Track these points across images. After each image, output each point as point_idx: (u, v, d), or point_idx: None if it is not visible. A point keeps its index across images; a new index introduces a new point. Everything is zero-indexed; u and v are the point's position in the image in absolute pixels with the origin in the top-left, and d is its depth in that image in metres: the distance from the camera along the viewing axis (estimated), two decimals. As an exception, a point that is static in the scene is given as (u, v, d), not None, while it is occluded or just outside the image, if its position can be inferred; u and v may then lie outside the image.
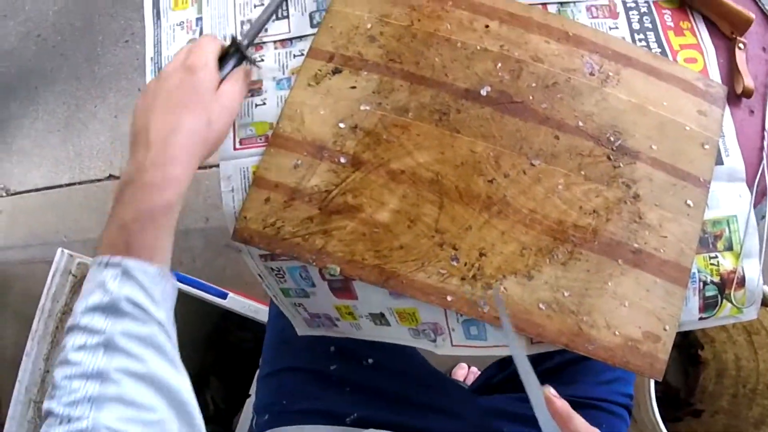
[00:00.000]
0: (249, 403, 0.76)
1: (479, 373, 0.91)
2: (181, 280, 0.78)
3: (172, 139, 0.35)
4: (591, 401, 0.51)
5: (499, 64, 0.45)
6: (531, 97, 0.44)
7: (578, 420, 0.34)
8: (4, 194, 1.35)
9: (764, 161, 0.45)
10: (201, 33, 0.48)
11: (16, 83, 1.42)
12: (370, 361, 0.52)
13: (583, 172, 0.42)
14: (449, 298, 0.40)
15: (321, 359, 0.52)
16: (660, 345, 0.40)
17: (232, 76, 0.41)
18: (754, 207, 0.44)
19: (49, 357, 0.61)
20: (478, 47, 0.45)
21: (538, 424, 0.51)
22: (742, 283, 0.43)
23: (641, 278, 0.41)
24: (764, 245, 0.43)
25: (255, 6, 0.49)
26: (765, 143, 0.45)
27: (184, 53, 0.40)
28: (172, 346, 0.33)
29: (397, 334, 0.44)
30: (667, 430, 0.70)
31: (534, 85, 0.44)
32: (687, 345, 0.95)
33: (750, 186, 0.44)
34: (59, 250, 0.67)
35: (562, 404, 0.34)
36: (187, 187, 0.36)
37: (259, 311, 0.78)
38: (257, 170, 0.43)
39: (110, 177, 1.30)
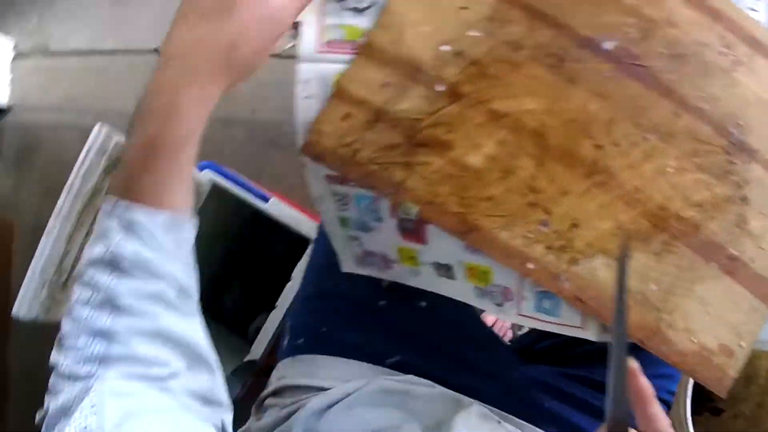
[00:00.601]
0: (274, 317, 0.70)
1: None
2: (220, 173, 0.71)
3: (178, 63, 0.29)
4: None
5: (630, 19, 0.38)
6: (658, 64, 0.37)
7: (657, 406, 0.29)
8: (43, 54, 1.21)
9: None
10: None
11: None
12: (424, 304, 0.46)
13: (696, 160, 0.37)
14: (530, 266, 0.35)
15: (371, 292, 0.47)
16: (732, 360, 0.36)
17: None
18: None
19: (71, 238, 0.54)
20: (612, -5, 0.38)
21: (580, 405, 0.47)
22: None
23: (731, 287, 0.36)
24: None
25: None
26: None
27: None
28: (185, 297, 0.30)
29: (459, 290, 0.39)
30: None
31: (663, 51, 0.38)
32: None
33: None
34: (97, 125, 0.58)
35: (646, 384, 0.29)
36: (201, 121, 0.30)
37: (301, 222, 0.71)
38: (341, 80, 0.36)
39: (155, 51, 1.18)
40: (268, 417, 0.44)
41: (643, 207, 0.36)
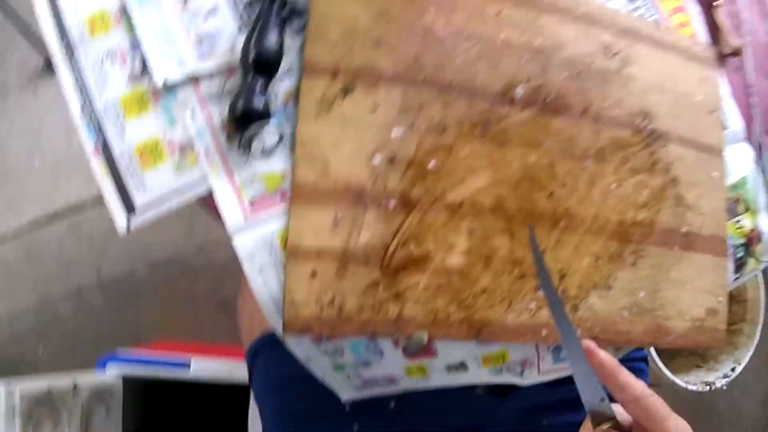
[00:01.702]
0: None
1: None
2: (126, 361, 0.70)
3: None
4: (633, 361, 0.62)
5: (524, 58, 0.48)
6: (563, 91, 0.48)
7: (626, 373, 0.35)
8: None
9: (756, 114, 0.57)
10: (144, 65, 0.41)
11: None
12: (392, 404, 0.54)
13: (629, 165, 0.49)
14: (544, 332, 0.44)
15: (339, 425, 0.53)
16: (719, 317, 0.51)
17: None
18: (758, 161, 0.56)
19: None
20: (499, 40, 0.47)
21: (572, 404, 0.59)
22: (759, 238, 0.55)
23: (695, 260, 0.50)
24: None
25: (207, 14, 0.43)
26: (753, 98, 0.58)
27: None
28: None
29: (473, 378, 0.47)
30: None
31: (563, 76, 0.49)
32: None
33: (749, 143, 0.56)
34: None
35: (606, 356, 0.35)
36: None
37: (234, 369, 0.73)
38: (288, 238, 0.40)
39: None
40: None
41: (607, 231, 0.48)
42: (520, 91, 0.47)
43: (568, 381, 0.60)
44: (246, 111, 0.40)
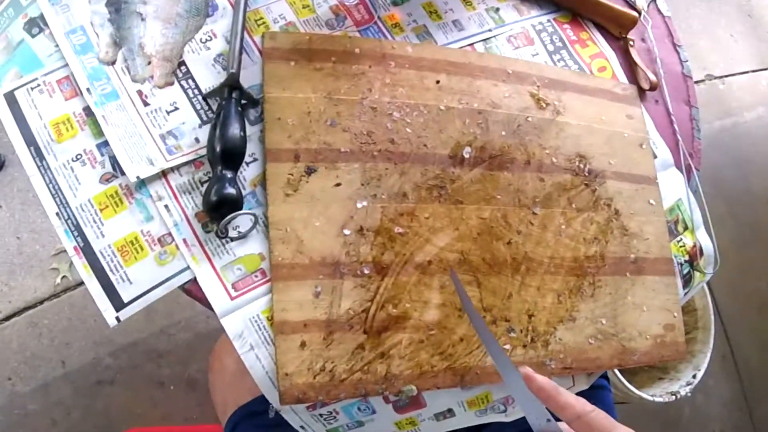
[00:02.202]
0: None
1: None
2: None
3: None
4: None
5: (467, 120, 0.58)
6: (506, 147, 0.59)
7: (565, 393, 0.40)
8: None
9: (680, 141, 0.70)
10: (115, 164, 0.49)
11: None
12: None
13: (574, 205, 0.60)
14: (521, 370, 0.53)
15: None
16: (677, 331, 0.61)
17: None
18: (687, 183, 0.68)
19: None
20: (441, 107, 0.58)
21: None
22: (701, 252, 0.67)
23: (647, 282, 0.61)
24: (706, 212, 0.68)
25: (169, 111, 0.51)
26: (675, 126, 0.71)
27: None
28: None
29: (462, 421, 0.55)
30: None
31: (504, 132, 0.59)
32: None
33: (678, 167, 0.69)
34: None
35: (544, 379, 0.40)
36: None
37: None
38: (274, 315, 0.47)
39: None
40: None
41: (564, 267, 0.57)
42: (467, 152, 0.57)
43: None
44: (219, 200, 0.48)
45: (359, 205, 0.52)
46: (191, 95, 0.52)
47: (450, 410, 0.54)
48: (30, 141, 0.48)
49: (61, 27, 0.50)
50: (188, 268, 0.48)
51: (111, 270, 0.47)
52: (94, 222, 0.47)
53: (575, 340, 0.56)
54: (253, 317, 0.48)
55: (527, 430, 0.63)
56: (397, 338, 0.50)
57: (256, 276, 0.49)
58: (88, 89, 0.49)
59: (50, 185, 0.47)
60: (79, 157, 0.48)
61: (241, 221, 0.50)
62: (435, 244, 0.53)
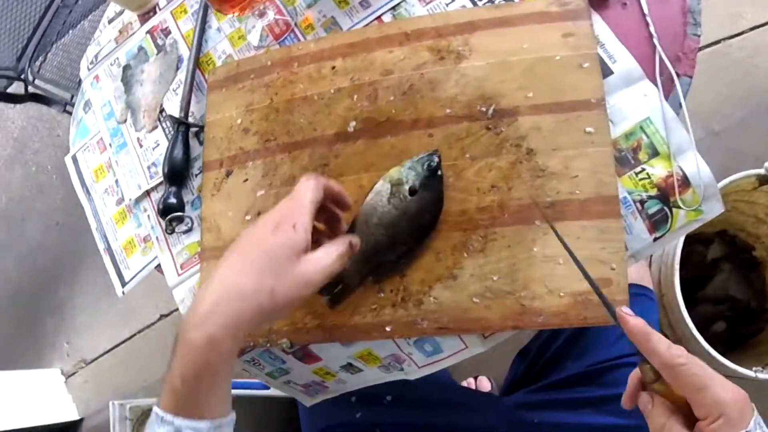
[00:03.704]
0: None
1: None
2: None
3: (222, 303, 0.39)
4: (612, 362, 0.57)
5: (356, 96, 0.57)
6: (393, 111, 0.55)
7: (656, 340, 0.37)
8: (84, 365, 1.75)
9: (658, 47, 0.51)
10: (122, 192, 0.68)
11: (55, 271, 1.86)
12: (389, 398, 0.63)
13: (467, 155, 0.52)
14: (388, 329, 0.50)
15: (346, 412, 0.65)
16: (614, 287, 0.46)
17: (328, 244, 0.43)
18: (666, 98, 0.49)
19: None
20: (332, 90, 0.58)
21: (566, 407, 0.58)
22: (685, 183, 0.48)
23: (566, 229, 0.48)
24: (692, 133, 0.48)
25: (153, 148, 0.68)
26: (651, 29, 0.52)
27: (280, 204, 0.43)
28: None
29: (372, 376, 0.55)
30: (753, 344, 0.72)
31: (392, 98, 0.56)
32: (737, 252, 0.95)
33: (653, 79, 0.50)
34: (110, 403, 0.90)
35: (635, 324, 0.38)
36: (233, 352, 0.40)
37: None
38: (199, 285, 0.59)
39: (161, 317, 1.64)
40: None
41: (447, 224, 0.50)
42: (352, 126, 0.56)
43: (557, 385, 0.61)
44: (164, 208, 0.61)
45: (258, 194, 0.58)
46: (167, 133, 0.67)
47: (351, 365, 0.55)
48: (83, 184, 0.71)
49: (98, 103, 0.72)
50: (157, 257, 0.63)
51: (119, 261, 0.66)
52: (113, 231, 0.67)
53: (455, 299, 0.49)
54: (191, 288, 0.60)
55: (541, 402, 0.61)
56: (279, 302, 0.55)
57: (195, 258, 0.61)
58: (110, 144, 0.69)
59: (92, 211, 0.69)
60: (106, 190, 0.69)
61: (186, 221, 0.62)
62: (315, 217, 0.55)
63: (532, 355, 0.67)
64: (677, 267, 0.82)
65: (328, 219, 0.48)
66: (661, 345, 0.37)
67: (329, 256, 0.42)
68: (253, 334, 0.55)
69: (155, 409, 0.40)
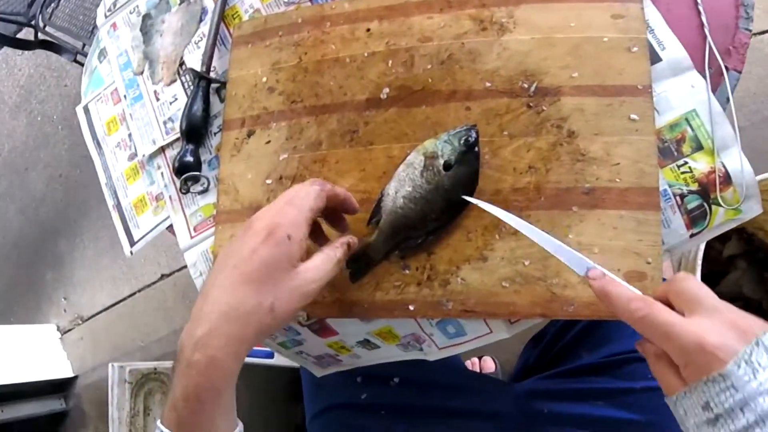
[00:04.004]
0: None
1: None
2: None
3: (222, 325, 0.37)
4: (629, 355, 0.55)
5: (390, 62, 0.53)
6: (430, 80, 0.52)
7: (615, 294, 0.37)
8: (81, 322, 1.73)
9: (708, 38, 0.47)
10: (135, 147, 0.64)
11: (57, 224, 1.82)
12: (396, 380, 0.62)
13: (506, 132, 0.49)
14: (411, 307, 0.48)
15: (351, 392, 0.63)
16: (648, 282, 0.44)
17: (326, 250, 0.42)
18: (714, 92, 0.47)
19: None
20: (366, 54, 0.54)
21: (578, 397, 0.57)
22: (727, 180, 0.45)
23: (603, 218, 0.45)
24: (738, 130, 0.45)
25: (171, 102, 0.64)
26: (703, 18, 0.48)
27: (277, 206, 0.40)
28: None
29: (389, 353, 0.53)
30: None
31: (429, 66, 0.52)
32: (753, 251, 0.93)
33: (701, 71, 0.47)
34: (110, 365, 0.88)
35: (598, 285, 0.38)
36: (236, 370, 0.38)
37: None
38: (214, 249, 0.56)
39: (162, 277, 1.61)
40: None
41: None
42: (385, 93, 0.53)
43: (567, 373, 0.59)
44: (181, 166, 0.58)
45: (281, 158, 0.55)
46: (186, 87, 0.64)
47: (368, 341, 0.53)
48: (93, 136, 0.67)
49: (114, 52, 0.68)
50: (170, 217, 0.60)
51: (129, 219, 0.63)
52: (124, 187, 0.64)
53: (483, 282, 0.47)
54: (203, 251, 0.57)
55: (552, 391, 0.59)
56: (296, 271, 0.52)
57: (210, 220, 0.58)
58: (125, 96, 0.66)
59: (103, 165, 0.66)
60: (119, 144, 0.66)
61: (202, 181, 0.59)
62: (340, 185, 0.52)
63: (546, 342, 0.65)
64: (699, 263, 0.80)
65: (329, 214, 0.46)
66: (620, 302, 0.36)
67: (327, 263, 0.41)
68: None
69: (159, 424, 0.39)
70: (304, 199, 0.41)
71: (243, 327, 0.38)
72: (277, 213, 0.40)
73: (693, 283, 0.35)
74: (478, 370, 1.01)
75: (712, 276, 0.94)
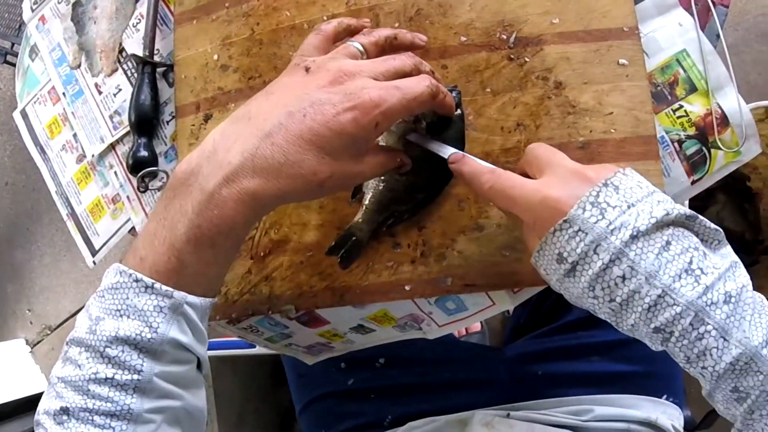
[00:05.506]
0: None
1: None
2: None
3: (272, 170, 0.30)
4: None
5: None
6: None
7: (467, 170, 0.36)
8: (49, 332, 1.60)
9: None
10: (82, 148, 0.55)
11: (10, 234, 1.67)
12: (382, 360, 0.57)
13: (488, 89, 0.43)
14: (407, 288, 0.42)
15: (337, 379, 0.58)
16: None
17: (389, 152, 0.37)
18: (702, 29, 0.42)
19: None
20: (325, 18, 0.47)
21: (563, 353, 0.53)
22: (724, 121, 0.41)
23: (601, 170, 0.41)
24: (731, 67, 0.41)
25: (115, 94, 0.55)
26: (687, -55, 0.43)
27: (388, 84, 0.32)
28: (203, 372, 0.35)
29: (386, 335, 0.48)
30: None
31: (397, 25, 0.45)
32: (731, 183, 0.93)
33: (687, 8, 0.42)
34: None
35: (457, 168, 0.36)
36: (244, 217, 0.31)
37: None
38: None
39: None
40: None
41: (466, 169, 0.42)
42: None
43: (559, 330, 0.55)
44: (135, 162, 0.50)
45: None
46: (130, 75, 0.54)
47: (363, 327, 0.48)
48: (36, 141, 0.57)
49: (46, 47, 0.58)
50: (129, 218, 0.52)
51: (86, 227, 0.54)
52: (76, 193, 0.55)
53: (482, 253, 0.41)
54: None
55: (544, 350, 0.57)
56: (279, 261, 0.45)
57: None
58: (63, 93, 0.56)
59: (50, 171, 0.56)
60: (64, 146, 0.56)
61: (159, 175, 0.51)
62: (314, 166, 0.45)
63: (535, 300, 0.61)
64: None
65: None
66: (474, 178, 0.35)
67: (391, 160, 0.37)
68: (254, 302, 0.46)
69: (133, 273, 0.30)
70: (414, 87, 0.33)
71: (287, 185, 0.31)
72: (371, 85, 0.32)
73: (543, 148, 0.34)
74: (464, 332, 0.98)
75: (692, 210, 0.92)
